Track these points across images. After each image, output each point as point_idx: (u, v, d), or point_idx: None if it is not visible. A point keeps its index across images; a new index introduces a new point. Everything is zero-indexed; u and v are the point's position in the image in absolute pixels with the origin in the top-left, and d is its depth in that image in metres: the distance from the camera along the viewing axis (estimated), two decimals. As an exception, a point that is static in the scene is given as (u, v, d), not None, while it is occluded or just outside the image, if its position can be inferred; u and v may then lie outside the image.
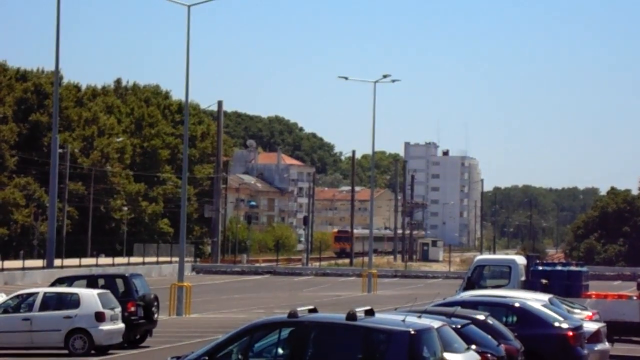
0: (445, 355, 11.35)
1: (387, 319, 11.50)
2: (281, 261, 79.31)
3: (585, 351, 15.85)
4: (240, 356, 11.10)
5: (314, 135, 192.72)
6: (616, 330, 20.33)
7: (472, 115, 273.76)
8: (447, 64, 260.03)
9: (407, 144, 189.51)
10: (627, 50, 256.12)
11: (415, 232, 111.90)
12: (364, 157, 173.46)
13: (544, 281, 27.46)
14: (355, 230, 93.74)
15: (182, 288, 32.83)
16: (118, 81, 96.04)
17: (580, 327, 15.99)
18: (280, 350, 11.10)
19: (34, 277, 49.09)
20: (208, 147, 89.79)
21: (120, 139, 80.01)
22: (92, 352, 20.80)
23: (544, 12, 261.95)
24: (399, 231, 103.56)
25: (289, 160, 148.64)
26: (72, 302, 21.00)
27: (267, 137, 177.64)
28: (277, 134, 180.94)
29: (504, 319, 15.54)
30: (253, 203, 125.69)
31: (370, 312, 11.31)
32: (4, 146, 71.83)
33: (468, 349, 12.33)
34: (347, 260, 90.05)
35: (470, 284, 27.18)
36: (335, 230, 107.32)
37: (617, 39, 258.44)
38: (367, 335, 10.88)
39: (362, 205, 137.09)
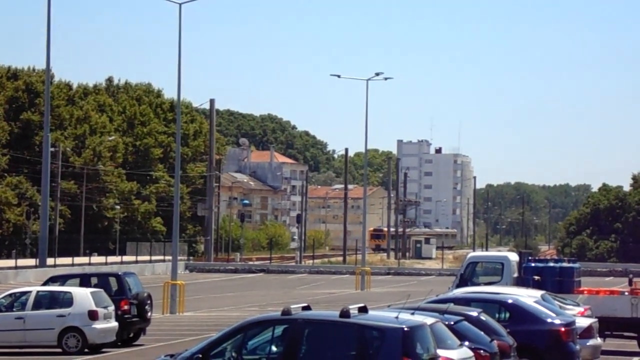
0: (439, 351, 11.40)
1: (381, 315, 11.53)
2: (274, 259, 79.26)
3: (578, 346, 15.93)
4: (233, 354, 11.11)
5: (306, 133, 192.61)
6: (608, 325, 20.44)
7: (464, 113, 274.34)
8: (439, 62, 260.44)
9: (399, 142, 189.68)
10: (619, 48, 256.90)
11: (419, 229, 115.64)
12: (357, 155, 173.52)
13: (536, 277, 27.61)
14: (390, 228, 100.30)
15: (176, 286, 32.82)
16: (109, 80, 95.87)
17: (572, 323, 16.07)
18: (274, 348, 11.12)
19: (26, 276, 48.99)
20: (200, 146, 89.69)
21: (112, 137, 79.86)
22: (86, 350, 20.79)
23: (536, 10, 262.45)
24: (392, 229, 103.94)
25: (281, 159, 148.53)
26: (65, 300, 20.99)
27: (260, 136, 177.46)
28: (270, 132, 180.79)
29: (497, 315, 15.61)
30: (246, 201, 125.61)
31: (363, 309, 11.34)
32: (-4, 145, 71.69)
33: (461, 345, 12.38)
34: (340, 258, 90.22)
35: (463, 281, 27.27)
36: (371, 228, 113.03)
37: (610, 36, 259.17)
38: (360, 332, 10.90)
39: (355, 203, 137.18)
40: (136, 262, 61.31)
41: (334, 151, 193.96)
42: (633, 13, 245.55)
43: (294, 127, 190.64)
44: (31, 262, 53.69)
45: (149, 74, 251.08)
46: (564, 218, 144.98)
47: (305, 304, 11.65)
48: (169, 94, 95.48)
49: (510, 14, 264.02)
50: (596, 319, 18.57)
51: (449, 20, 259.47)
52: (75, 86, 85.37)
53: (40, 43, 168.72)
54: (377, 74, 52.07)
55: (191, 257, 74.76)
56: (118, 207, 78.77)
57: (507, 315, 15.79)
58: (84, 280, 23.71)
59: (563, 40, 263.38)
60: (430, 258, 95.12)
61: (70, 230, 71.60)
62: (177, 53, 32.89)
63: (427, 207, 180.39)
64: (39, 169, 58.72)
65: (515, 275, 28.48)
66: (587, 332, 17.24)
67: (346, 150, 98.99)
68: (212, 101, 73.43)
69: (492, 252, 50.73)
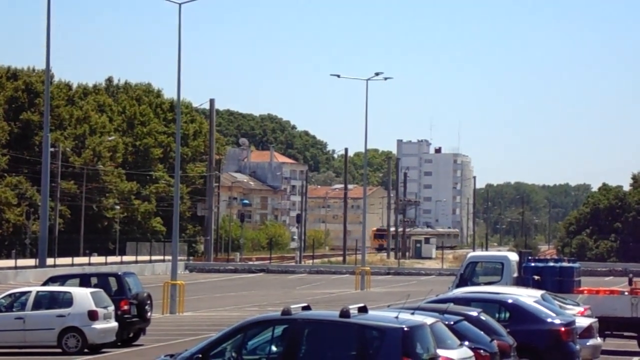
0: (439, 351, 11.39)
1: (380, 315, 11.53)
2: (274, 259, 79.26)
3: (578, 346, 15.93)
4: (233, 354, 11.11)
5: (306, 133, 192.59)
6: (608, 325, 20.45)
7: (464, 113, 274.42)
8: (439, 62, 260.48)
9: (399, 142, 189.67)
10: (619, 48, 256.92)
11: (422, 229, 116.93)
12: (357, 155, 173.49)
13: (536, 277, 27.63)
14: (392, 228, 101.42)
15: (175, 286, 32.82)
16: (109, 80, 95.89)
17: (572, 323, 16.07)
18: (273, 348, 11.12)
19: (26, 276, 49.00)
20: (200, 146, 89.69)
21: (112, 137, 79.87)
22: (86, 350, 20.79)
23: (536, 10, 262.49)
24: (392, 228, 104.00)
25: (281, 159, 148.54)
26: (65, 300, 20.98)
27: (260, 135, 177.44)
28: (270, 132, 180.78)
29: (497, 315, 15.61)
30: (246, 201, 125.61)
31: (363, 309, 11.33)
32: (-4, 145, 71.68)
33: (461, 345, 12.38)
34: (340, 258, 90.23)
35: (463, 281, 27.28)
36: (374, 228, 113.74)
37: (610, 36, 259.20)
38: (360, 332, 10.90)
39: (355, 203, 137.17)
40: (136, 262, 61.30)
41: (333, 151, 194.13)
42: (633, 13, 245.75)
43: (293, 127, 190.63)
44: (31, 262, 53.69)
45: (149, 74, 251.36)
46: (563, 218, 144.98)
47: (305, 304, 11.65)
48: (169, 94, 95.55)
49: (510, 14, 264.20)
50: (596, 319, 18.57)
51: (449, 20, 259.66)
52: (75, 86, 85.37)
53: (40, 43, 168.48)
54: (377, 74, 52.07)
55: (191, 257, 74.73)
56: (118, 207, 78.77)
57: (507, 315, 15.79)
58: (84, 281, 23.70)
59: (563, 40, 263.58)
60: (430, 258, 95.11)
61: (70, 230, 71.60)
62: (177, 53, 32.93)
63: (427, 207, 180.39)
64: (38, 169, 58.71)
65: (515, 275, 28.49)
66: (587, 332, 17.25)
67: (346, 150, 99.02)
68: (212, 101, 73.43)
69: (492, 252, 50.74)
